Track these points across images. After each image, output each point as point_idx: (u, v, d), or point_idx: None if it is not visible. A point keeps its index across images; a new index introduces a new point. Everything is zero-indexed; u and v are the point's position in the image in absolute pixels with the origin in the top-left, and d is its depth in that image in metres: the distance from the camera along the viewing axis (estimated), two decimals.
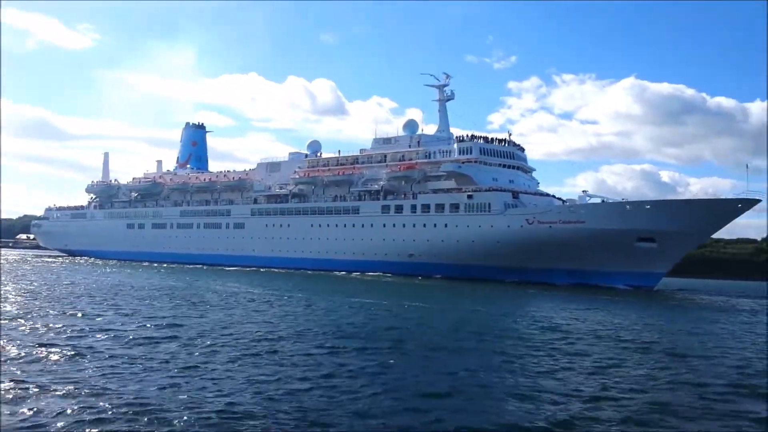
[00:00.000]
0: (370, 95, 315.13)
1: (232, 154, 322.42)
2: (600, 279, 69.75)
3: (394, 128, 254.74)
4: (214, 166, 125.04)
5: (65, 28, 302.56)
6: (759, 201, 64.84)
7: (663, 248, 66.99)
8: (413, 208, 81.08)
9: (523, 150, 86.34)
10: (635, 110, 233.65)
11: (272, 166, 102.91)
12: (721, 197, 67.61)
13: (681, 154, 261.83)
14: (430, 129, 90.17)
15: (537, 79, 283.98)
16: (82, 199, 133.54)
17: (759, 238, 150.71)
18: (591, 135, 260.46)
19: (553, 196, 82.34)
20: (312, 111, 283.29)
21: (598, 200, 72.77)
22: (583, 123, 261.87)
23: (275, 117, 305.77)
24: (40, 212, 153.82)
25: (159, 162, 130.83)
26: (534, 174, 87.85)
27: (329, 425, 13.85)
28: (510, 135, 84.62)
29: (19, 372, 17.55)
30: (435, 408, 15.45)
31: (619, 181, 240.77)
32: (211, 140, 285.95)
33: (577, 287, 67.65)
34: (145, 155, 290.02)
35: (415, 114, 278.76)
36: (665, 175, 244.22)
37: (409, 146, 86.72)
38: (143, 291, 46.31)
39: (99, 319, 29.16)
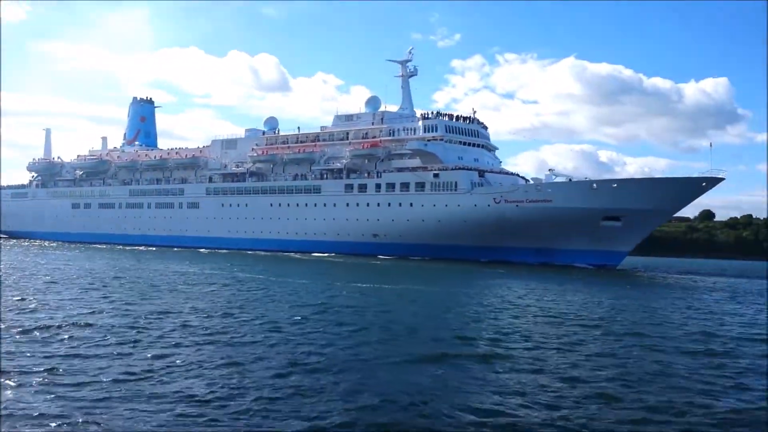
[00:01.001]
0: (314, 72, 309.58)
1: (171, 132, 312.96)
2: (565, 258, 69.94)
3: (341, 105, 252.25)
4: (162, 143, 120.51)
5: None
6: (722, 179, 65.65)
7: (627, 227, 67.38)
8: (377, 187, 79.52)
9: (486, 128, 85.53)
10: (575, 90, 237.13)
11: (228, 143, 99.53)
12: (684, 176, 68.12)
13: (619, 134, 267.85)
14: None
15: (480, 57, 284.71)
16: (20, 178, 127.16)
17: (692, 216, 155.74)
18: (532, 115, 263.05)
19: (517, 175, 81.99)
20: (255, 87, 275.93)
21: (563, 179, 72.63)
22: (524, 103, 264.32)
23: (216, 93, 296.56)
24: None
25: (104, 139, 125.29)
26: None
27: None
28: (474, 113, 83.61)
29: None
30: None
31: (559, 161, 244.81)
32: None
33: (543, 266, 67.74)
34: (84, 132, 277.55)
35: (361, 91, 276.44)
36: (603, 155, 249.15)
37: (372, 123, 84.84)
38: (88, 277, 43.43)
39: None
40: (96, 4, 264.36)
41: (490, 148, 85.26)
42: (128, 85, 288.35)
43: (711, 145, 71.84)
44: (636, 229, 68.56)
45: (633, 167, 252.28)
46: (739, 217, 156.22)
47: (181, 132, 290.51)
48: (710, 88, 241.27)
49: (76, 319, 24.13)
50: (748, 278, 68.48)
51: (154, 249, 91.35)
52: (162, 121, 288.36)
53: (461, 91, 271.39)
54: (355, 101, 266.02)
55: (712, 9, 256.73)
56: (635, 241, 70.70)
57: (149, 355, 18.32)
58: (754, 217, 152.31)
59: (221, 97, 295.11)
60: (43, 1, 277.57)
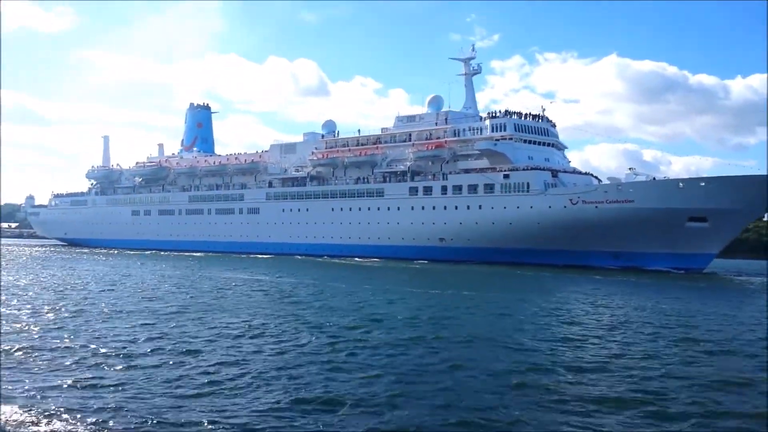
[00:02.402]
0: (353, 75, 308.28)
1: (216, 139, 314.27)
2: (646, 261, 66.06)
3: (375, 108, 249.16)
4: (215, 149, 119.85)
5: (42, 11, 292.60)
6: None
7: (715, 228, 63.17)
8: (443, 189, 76.72)
9: (555, 126, 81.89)
10: (617, 88, 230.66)
11: (287, 148, 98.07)
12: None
13: (663, 132, 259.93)
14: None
15: (520, 57, 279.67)
16: (65, 187, 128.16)
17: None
18: (574, 114, 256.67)
19: (591, 175, 78.24)
20: (295, 92, 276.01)
21: (643, 178, 68.70)
22: (566, 102, 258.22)
23: (257, 99, 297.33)
24: (19, 200, 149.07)
25: (160, 145, 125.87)
26: None
27: None
28: (544, 110, 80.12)
29: None
30: None
31: (602, 161, 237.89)
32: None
33: (623, 270, 64.07)
34: (131, 140, 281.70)
35: (399, 94, 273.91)
36: (647, 154, 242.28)
37: (436, 124, 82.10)
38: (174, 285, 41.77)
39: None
40: (136, 6, 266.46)
41: (560, 147, 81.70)
42: (172, 92, 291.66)
43: None
44: (724, 229, 64.30)
45: (678, 166, 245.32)
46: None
47: (225, 139, 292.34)
48: (757, 83, 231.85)
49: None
50: None
51: (218, 255, 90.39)
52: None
53: (501, 91, 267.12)
54: (394, 104, 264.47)
55: (757, 3, 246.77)
56: (723, 243, 66.42)
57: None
58: None
59: (262, 104, 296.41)
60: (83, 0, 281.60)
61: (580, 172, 77.91)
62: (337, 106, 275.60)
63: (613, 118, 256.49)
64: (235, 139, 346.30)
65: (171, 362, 18.46)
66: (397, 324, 26.04)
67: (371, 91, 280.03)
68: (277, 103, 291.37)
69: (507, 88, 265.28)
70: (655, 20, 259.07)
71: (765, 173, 62.82)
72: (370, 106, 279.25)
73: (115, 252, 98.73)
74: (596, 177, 78.12)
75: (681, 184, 63.51)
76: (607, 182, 71.04)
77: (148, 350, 20.03)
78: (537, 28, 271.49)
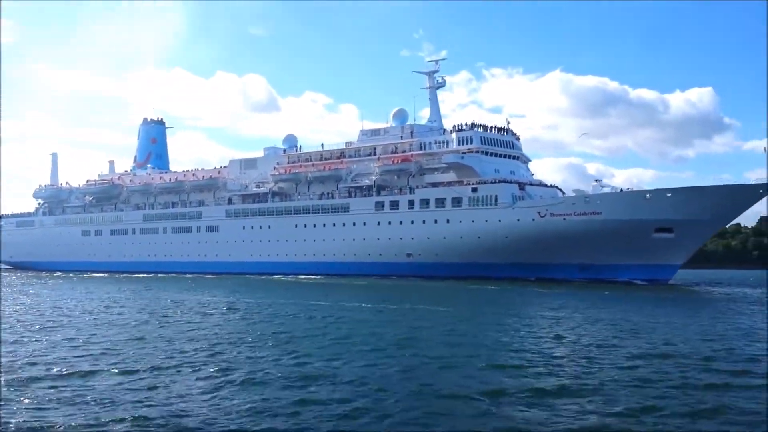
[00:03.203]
0: (303, 91, 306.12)
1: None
2: (613, 273, 66.41)
3: (326, 123, 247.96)
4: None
5: None
6: None
7: (681, 238, 63.88)
8: (411, 203, 75.92)
9: (519, 139, 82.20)
10: (562, 103, 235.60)
11: (247, 163, 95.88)
12: (742, 183, 64.82)
13: (605, 146, 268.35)
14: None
15: (467, 73, 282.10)
16: (11, 207, 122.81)
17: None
18: (521, 129, 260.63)
19: (556, 187, 78.56)
20: (244, 108, 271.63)
21: (608, 190, 69.18)
22: (513, 117, 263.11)
23: (204, 115, 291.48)
24: None
25: (111, 162, 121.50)
26: None
27: None
28: (509, 123, 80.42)
29: None
30: None
31: (548, 175, 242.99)
32: (135, 141, 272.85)
33: (590, 283, 64.23)
34: (79, 157, 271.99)
35: (350, 109, 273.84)
36: (591, 168, 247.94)
37: (401, 137, 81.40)
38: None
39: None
40: (82, 18, 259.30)
41: (525, 160, 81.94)
42: (120, 108, 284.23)
43: (765, 150, 64.67)
44: (689, 240, 65.12)
45: (620, 178, 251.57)
46: (727, 226, 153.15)
47: (172, 155, 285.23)
48: (695, 98, 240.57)
49: None
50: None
51: (175, 276, 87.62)
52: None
53: (449, 106, 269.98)
54: (345, 119, 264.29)
55: (696, 20, 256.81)
56: (688, 254, 67.23)
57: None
58: (742, 226, 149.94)
59: (210, 119, 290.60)
60: (23, 25, 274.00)
61: (545, 185, 78.18)
62: (288, 121, 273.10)
63: (558, 133, 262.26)
64: (182, 155, 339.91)
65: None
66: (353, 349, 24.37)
67: (322, 107, 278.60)
68: (226, 119, 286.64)
69: (455, 104, 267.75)
70: (596, 36, 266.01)
71: (738, 183, 64.03)
72: (321, 122, 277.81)
73: (62, 275, 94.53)
74: (561, 189, 78.53)
75: (648, 195, 64.12)
76: (573, 194, 71.33)
77: None
78: (483, 45, 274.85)
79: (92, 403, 15.97)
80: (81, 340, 26.23)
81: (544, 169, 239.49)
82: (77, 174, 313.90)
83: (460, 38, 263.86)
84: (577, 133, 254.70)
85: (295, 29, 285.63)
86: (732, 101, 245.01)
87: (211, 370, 20.07)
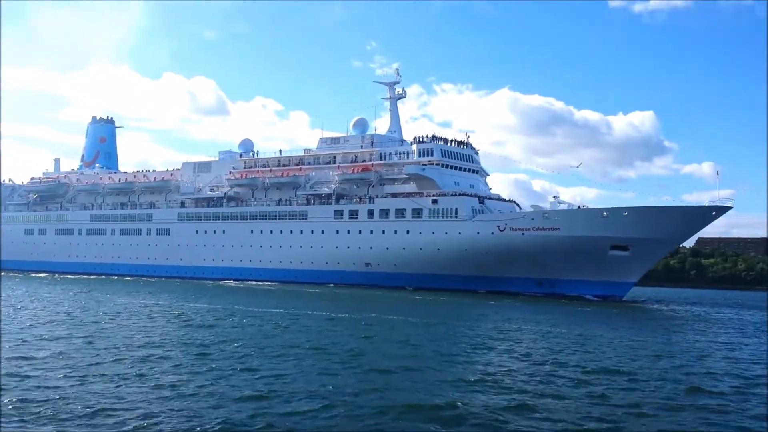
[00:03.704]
0: (253, 96, 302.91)
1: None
2: (569, 288, 67.42)
3: (277, 129, 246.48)
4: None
5: None
6: (730, 208, 64.36)
7: (636, 256, 65.28)
8: (370, 213, 75.54)
9: (477, 153, 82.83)
10: (509, 120, 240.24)
11: (201, 166, 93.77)
12: (694, 204, 66.76)
13: (551, 164, 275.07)
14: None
15: (418, 87, 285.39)
16: None
17: None
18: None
19: (514, 202, 79.35)
20: (192, 110, 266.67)
21: (565, 206, 70.24)
22: (461, 132, 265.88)
23: (150, 116, 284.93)
24: None
25: (57, 160, 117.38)
26: None
27: None
28: (468, 137, 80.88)
29: None
30: None
31: (496, 190, 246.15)
32: (80, 140, 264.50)
33: (545, 297, 65.12)
34: (15, 155, 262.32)
35: (300, 116, 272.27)
36: (536, 184, 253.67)
37: (362, 147, 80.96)
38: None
39: None
40: (28, 10, 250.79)
41: (483, 174, 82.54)
42: (61, 106, 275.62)
43: (718, 173, 67.16)
44: (644, 258, 66.59)
45: (565, 197, 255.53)
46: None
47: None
48: (638, 120, 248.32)
49: None
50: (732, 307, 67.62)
51: (121, 278, 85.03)
52: None
53: (401, 119, 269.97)
54: (295, 126, 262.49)
55: (639, 46, 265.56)
56: (642, 272, 68.71)
57: None
58: (680, 246, 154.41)
59: (156, 121, 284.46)
60: None
61: (503, 200, 78.89)
62: (237, 126, 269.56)
63: (505, 149, 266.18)
64: (126, 156, 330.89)
65: None
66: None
67: (272, 113, 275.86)
68: (172, 121, 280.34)
69: (407, 116, 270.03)
70: (543, 57, 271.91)
71: (676, 204, 66.03)
72: (271, 128, 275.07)
73: (2, 274, 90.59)
74: (518, 204, 79.39)
75: (605, 213, 65.31)
76: (530, 209, 72.17)
77: None
78: (435, 60, 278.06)
79: None
80: None
81: (491, 184, 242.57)
82: (17, 172, 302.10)
83: (413, 53, 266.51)
84: (523, 151, 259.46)
85: (247, 34, 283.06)
86: (672, 126, 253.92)
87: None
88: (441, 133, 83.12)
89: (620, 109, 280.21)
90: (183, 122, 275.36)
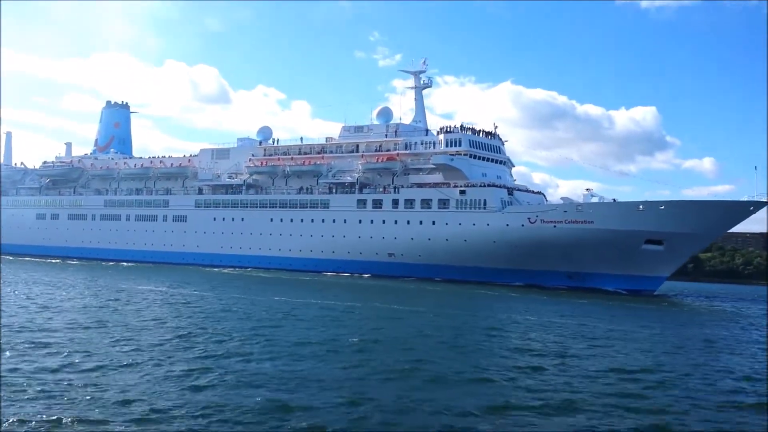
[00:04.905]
0: (255, 85, 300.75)
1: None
2: (599, 282, 65.80)
3: (279, 119, 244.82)
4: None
5: None
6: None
7: (670, 251, 63.72)
8: (395, 202, 73.92)
9: (504, 144, 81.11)
10: (511, 114, 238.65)
11: (219, 153, 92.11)
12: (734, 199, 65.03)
13: (551, 157, 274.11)
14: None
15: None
16: None
17: None
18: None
19: (541, 193, 77.78)
20: (194, 98, 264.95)
21: (597, 199, 68.62)
22: (468, 124, 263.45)
23: (152, 103, 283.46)
24: None
25: (68, 145, 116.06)
26: None
27: None
28: (496, 127, 79.14)
29: None
30: None
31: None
32: (78, 126, 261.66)
33: (576, 291, 63.55)
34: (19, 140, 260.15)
35: (302, 106, 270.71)
36: (537, 177, 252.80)
37: (386, 136, 79.28)
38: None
39: None
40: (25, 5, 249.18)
41: (509, 165, 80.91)
42: (60, 92, 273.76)
43: (756, 169, 65.19)
44: (678, 253, 65.01)
45: (564, 189, 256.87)
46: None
47: None
48: (639, 116, 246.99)
49: None
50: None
51: (136, 265, 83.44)
52: (92, 130, 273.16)
53: (402, 110, 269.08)
54: (298, 116, 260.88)
55: (644, 41, 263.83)
56: (675, 267, 67.11)
57: None
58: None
59: (157, 108, 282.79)
60: None
61: (531, 191, 77.27)
62: (239, 114, 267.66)
63: (507, 143, 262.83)
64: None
65: None
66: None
67: (274, 102, 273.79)
68: (174, 109, 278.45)
69: (407, 107, 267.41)
70: (546, 51, 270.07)
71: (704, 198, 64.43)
72: (273, 117, 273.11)
73: (11, 259, 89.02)
74: (545, 196, 77.88)
75: (641, 207, 63.64)
76: (560, 202, 70.53)
77: None
78: (437, 52, 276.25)
79: None
80: None
81: None
82: (23, 157, 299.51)
83: (415, 44, 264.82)
84: (524, 144, 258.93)
85: (250, 23, 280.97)
86: (674, 121, 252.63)
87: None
88: (444, 123, 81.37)
89: (622, 104, 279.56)
90: (185, 110, 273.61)
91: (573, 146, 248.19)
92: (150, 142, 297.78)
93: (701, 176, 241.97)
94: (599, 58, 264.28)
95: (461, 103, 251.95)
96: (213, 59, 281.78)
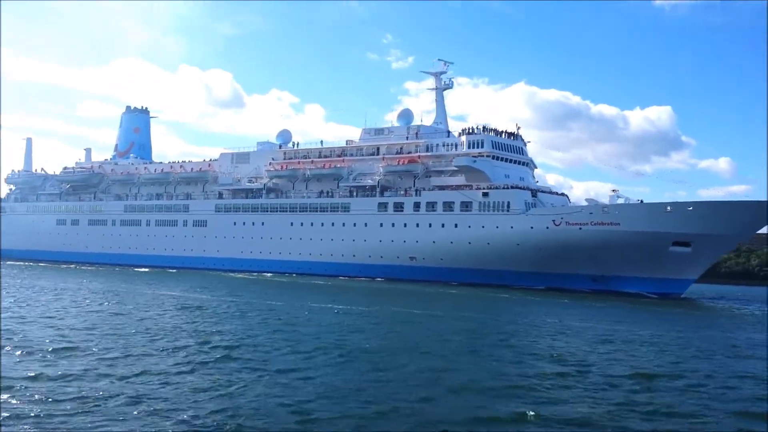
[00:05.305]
0: (269, 89, 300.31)
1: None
2: (626, 285, 64.62)
3: (292, 123, 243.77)
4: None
5: None
6: None
7: (697, 253, 62.47)
8: (416, 205, 73.21)
9: (526, 145, 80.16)
10: (525, 114, 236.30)
11: (239, 157, 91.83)
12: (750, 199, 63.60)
13: (566, 158, 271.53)
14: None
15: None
16: None
17: None
18: None
19: (564, 195, 76.74)
20: (208, 103, 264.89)
21: (622, 200, 67.44)
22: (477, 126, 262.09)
23: (165, 108, 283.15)
24: None
25: (88, 150, 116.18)
26: None
27: None
28: (518, 128, 78.17)
29: None
30: None
31: None
32: (94, 133, 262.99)
33: (601, 294, 62.46)
34: (44, 146, 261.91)
35: (316, 109, 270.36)
36: (551, 178, 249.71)
37: (407, 138, 78.64)
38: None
39: None
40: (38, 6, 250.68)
41: (532, 167, 79.94)
42: (75, 98, 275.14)
43: None
44: (705, 255, 63.78)
45: (579, 190, 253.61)
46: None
47: None
48: (654, 115, 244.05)
49: None
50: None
51: (157, 270, 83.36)
52: (107, 136, 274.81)
53: (415, 112, 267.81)
54: (311, 119, 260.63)
55: (659, 40, 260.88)
56: (703, 269, 65.87)
57: None
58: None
59: (171, 113, 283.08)
60: None
61: (555, 192, 76.27)
62: (253, 118, 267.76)
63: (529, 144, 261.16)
64: None
65: None
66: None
67: (287, 105, 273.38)
68: (188, 114, 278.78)
69: (420, 110, 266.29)
70: (561, 50, 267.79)
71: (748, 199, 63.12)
72: (287, 121, 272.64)
73: (32, 264, 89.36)
74: (567, 197, 76.86)
75: (668, 208, 62.49)
76: (585, 204, 69.44)
77: None
78: (450, 54, 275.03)
79: None
80: None
81: None
82: (42, 164, 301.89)
83: (428, 46, 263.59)
84: (538, 145, 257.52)
85: (261, 27, 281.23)
86: (689, 121, 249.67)
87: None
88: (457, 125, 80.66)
89: (637, 103, 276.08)
90: (199, 115, 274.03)
91: (587, 147, 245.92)
92: (165, 148, 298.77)
93: (717, 176, 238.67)
94: (613, 58, 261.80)
95: (475, 104, 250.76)
96: (226, 64, 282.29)
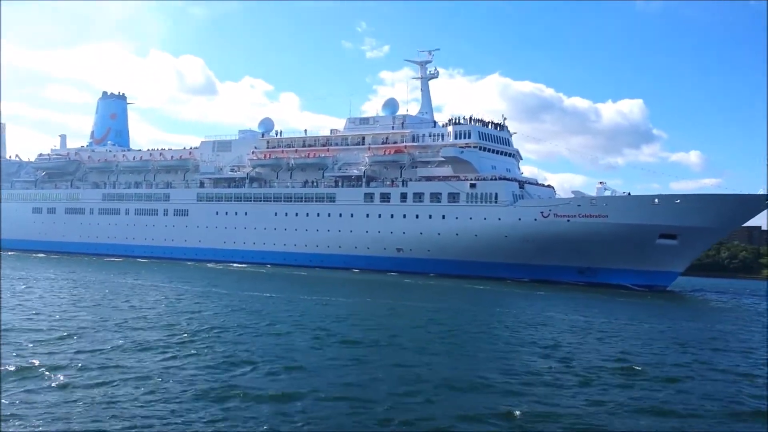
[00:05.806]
0: (242, 76, 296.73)
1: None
2: (612, 277, 64.81)
3: (267, 111, 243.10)
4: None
5: None
6: None
7: (684, 245, 62.78)
8: (403, 196, 72.61)
9: (512, 136, 79.81)
10: (500, 106, 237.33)
11: (220, 145, 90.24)
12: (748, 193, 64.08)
13: (540, 150, 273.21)
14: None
15: (409, 70, 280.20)
16: None
17: None
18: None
19: (550, 186, 76.66)
20: (179, 90, 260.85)
21: (610, 193, 67.46)
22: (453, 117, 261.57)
23: (136, 94, 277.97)
24: None
25: (63, 137, 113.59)
26: None
27: None
28: (505, 119, 77.78)
29: None
30: None
31: None
32: (63, 117, 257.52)
33: (588, 286, 62.55)
34: (13, 132, 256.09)
35: (291, 98, 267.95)
36: (525, 170, 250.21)
37: (392, 128, 77.82)
38: None
39: None
40: None
41: (518, 158, 79.66)
42: (43, 82, 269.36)
43: None
44: (691, 247, 64.13)
45: (553, 182, 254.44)
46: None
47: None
48: (626, 109, 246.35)
49: None
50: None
51: (135, 260, 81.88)
52: (77, 121, 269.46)
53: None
54: (286, 108, 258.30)
55: (632, 34, 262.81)
56: (688, 261, 66.25)
57: None
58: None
59: (144, 100, 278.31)
60: None
61: (542, 184, 76.15)
62: (225, 106, 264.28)
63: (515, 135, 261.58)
64: None
65: None
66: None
67: (261, 93, 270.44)
68: (159, 100, 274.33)
69: (399, 99, 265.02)
70: (534, 43, 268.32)
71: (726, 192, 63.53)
72: (261, 109, 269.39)
73: (9, 254, 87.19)
74: (554, 189, 76.80)
75: (656, 200, 62.62)
76: (571, 196, 69.36)
77: None
78: (425, 44, 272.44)
79: None
80: None
81: None
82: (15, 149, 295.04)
83: (403, 36, 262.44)
84: (513, 137, 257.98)
85: (235, 11, 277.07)
86: (660, 114, 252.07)
87: None
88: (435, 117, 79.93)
89: (609, 96, 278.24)
90: (170, 102, 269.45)
91: (561, 139, 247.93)
92: (138, 134, 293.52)
93: (688, 169, 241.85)
94: (586, 51, 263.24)
95: (450, 95, 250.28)
96: (198, 50, 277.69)
